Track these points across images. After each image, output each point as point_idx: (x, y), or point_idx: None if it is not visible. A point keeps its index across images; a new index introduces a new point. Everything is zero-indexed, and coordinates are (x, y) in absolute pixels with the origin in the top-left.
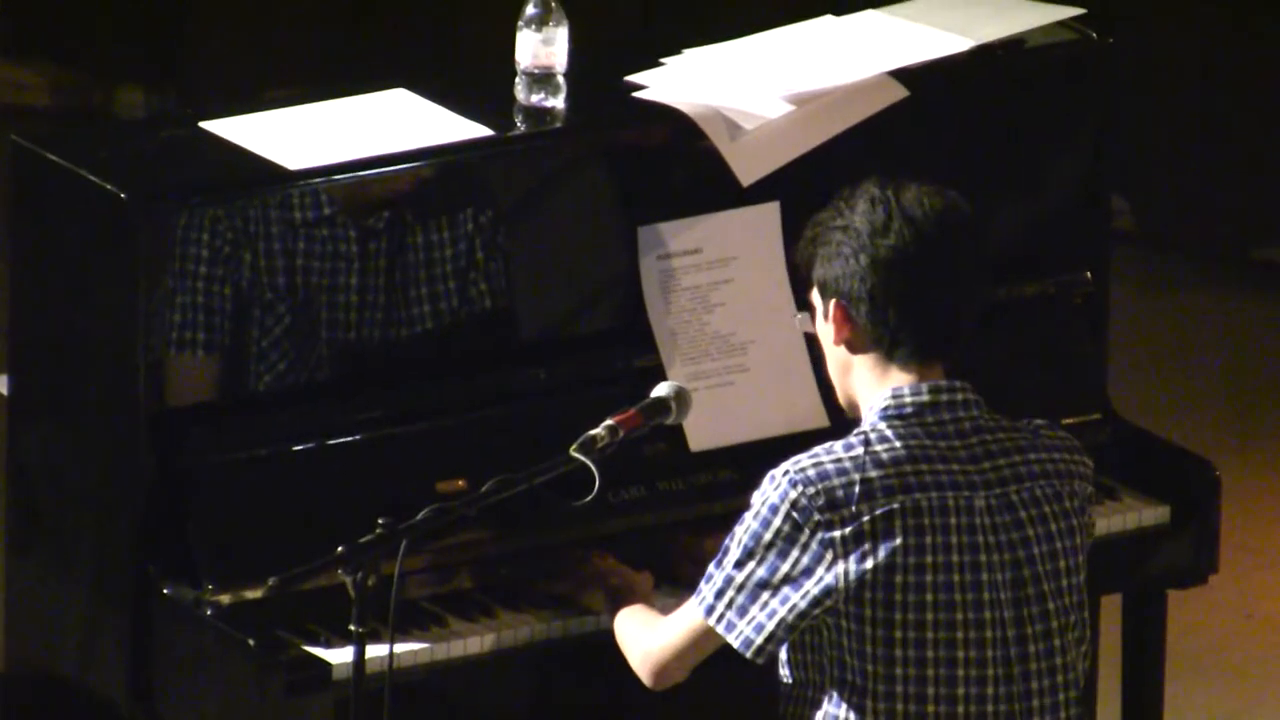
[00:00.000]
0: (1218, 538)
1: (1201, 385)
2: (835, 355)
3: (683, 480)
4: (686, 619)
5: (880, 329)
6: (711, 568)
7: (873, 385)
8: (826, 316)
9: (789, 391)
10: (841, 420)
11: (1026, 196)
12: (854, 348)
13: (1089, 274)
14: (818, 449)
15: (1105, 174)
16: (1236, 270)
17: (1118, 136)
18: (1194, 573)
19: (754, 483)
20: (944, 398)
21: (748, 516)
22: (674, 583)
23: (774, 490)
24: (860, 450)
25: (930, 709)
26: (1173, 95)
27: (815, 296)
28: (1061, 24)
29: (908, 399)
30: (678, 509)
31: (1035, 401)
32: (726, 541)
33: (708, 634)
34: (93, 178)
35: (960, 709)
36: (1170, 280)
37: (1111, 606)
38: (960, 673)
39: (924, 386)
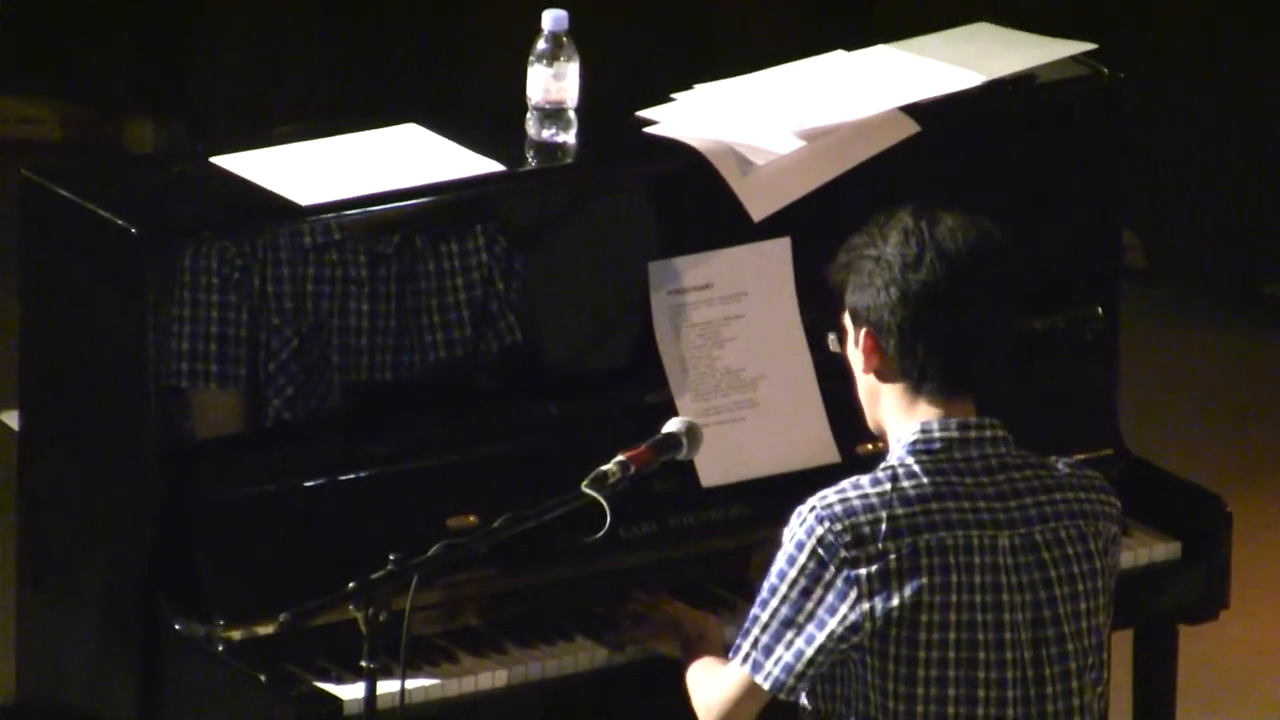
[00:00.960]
0: (1229, 573)
1: (1212, 421)
2: (864, 382)
3: (694, 516)
4: (731, 669)
5: (908, 361)
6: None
7: (901, 416)
8: (857, 343)
9: (800, 427)
10: (852, 456)
11: (1037, 232)
12: (883, 377)
13: (1100, 309)
14: (844, 484)
15: (1116, 209)
16: (1248, 306)
17: (1128, 172)
18: (1205, 608)
19: (765, 518)
20: (973, 434)
21: (778, 554)
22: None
23: (800, 527)
24: (887, 486)
25: None
26: (1183, 131)
27: (847, 321)
28: (1072, 59)
29: (936, 434)
30: (689, 545)
31: (1047, 437)
32: (762, 581)
33: (749, 679)
34: (102, 212)
35: None
36: (1181, 316)
37: (1123, 642)
38: (980, 711)
39: (953, 422)
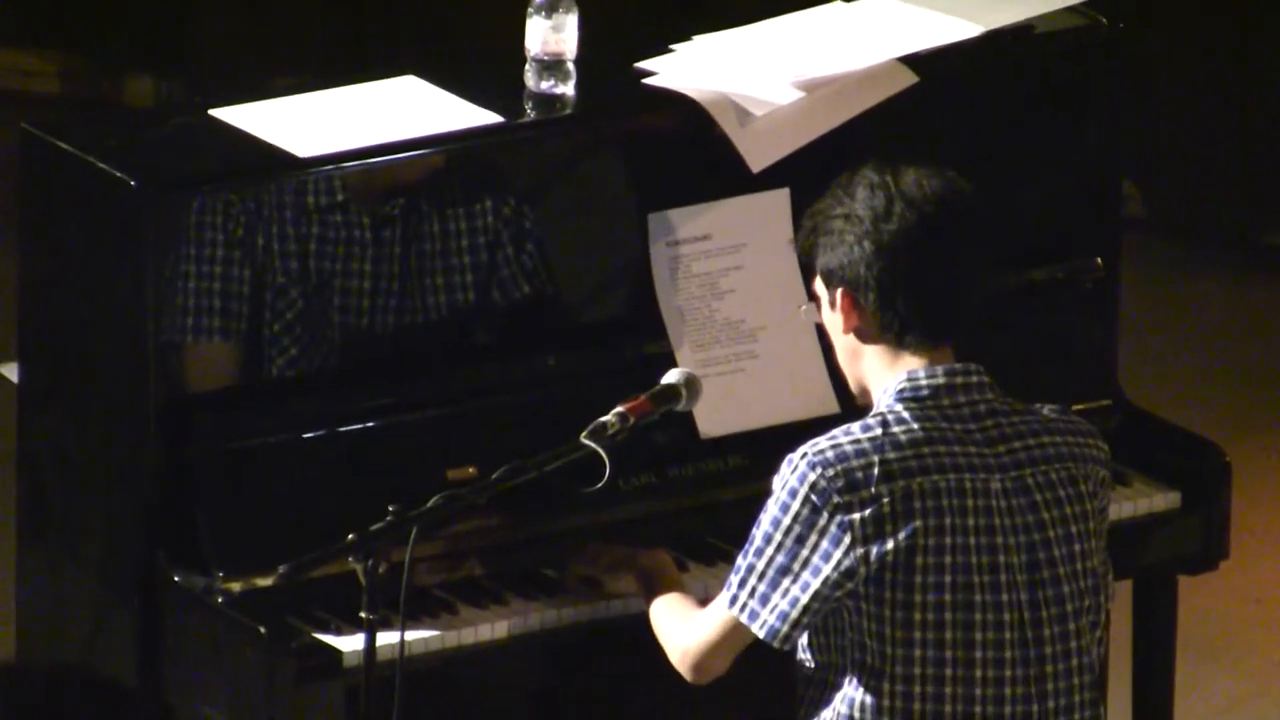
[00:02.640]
0: (1228, 524)
1: (1211, 370)
2: (844, 343)
3: (692, 467)
4: (717, 612)
5: (889, 314)
6: (738, 557)
7: (884, 370)
8: (833, 305)
9: (798, 378)
10: (851, 406)
11: (1036, 182)
12: (863, 336)
13: (1099, 260)
14: (835, 431)
15: (1115, 160)
16: (1246, 256)
17: (1127, 122)
18: (1204, 558)
19: (763, 469)
20: (959, 380)
21: (770, 502)
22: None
23: (792, 474)
24: (878, 432)
25: (948, 690)
26: (1182, 80)
27: (819, 286)
28: (1071, 10)
29: (923, 381)
30: (688, 496)
31: (1046, 387)
32: (752, 529)
33: (737, 625)
34: (102, 165)
35: (977, 690)
36: (1180, 266)
37: (1122, 592)
38: (977, 654)
39: (938, 369)
